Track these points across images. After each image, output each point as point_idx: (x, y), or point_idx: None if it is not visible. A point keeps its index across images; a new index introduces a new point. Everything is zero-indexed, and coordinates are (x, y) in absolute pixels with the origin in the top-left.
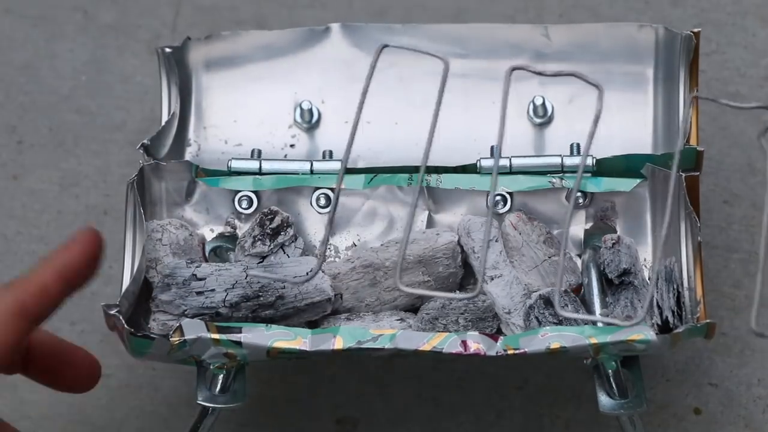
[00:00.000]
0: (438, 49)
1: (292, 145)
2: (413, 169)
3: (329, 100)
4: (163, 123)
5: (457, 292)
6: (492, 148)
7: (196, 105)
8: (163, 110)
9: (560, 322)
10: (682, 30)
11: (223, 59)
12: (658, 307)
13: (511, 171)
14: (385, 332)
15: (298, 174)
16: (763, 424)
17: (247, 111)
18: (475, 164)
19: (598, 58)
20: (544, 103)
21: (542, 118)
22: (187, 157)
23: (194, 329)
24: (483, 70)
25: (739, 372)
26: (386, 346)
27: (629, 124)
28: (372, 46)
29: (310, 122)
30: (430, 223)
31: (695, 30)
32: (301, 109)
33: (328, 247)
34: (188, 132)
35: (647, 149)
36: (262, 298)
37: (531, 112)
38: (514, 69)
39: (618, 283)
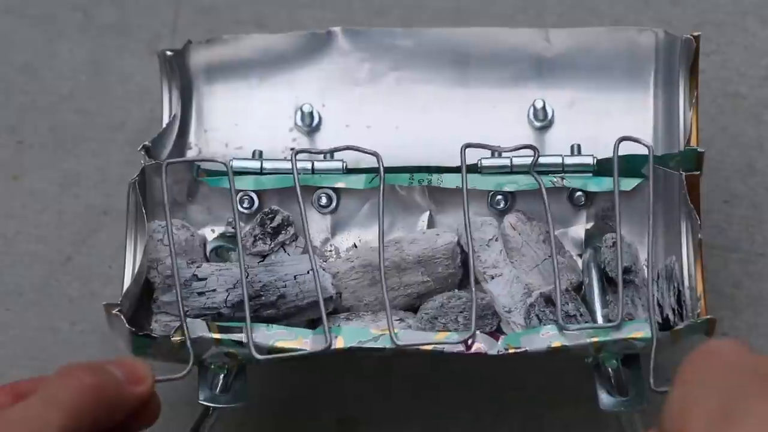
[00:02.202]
0: (438, 52)
1: (292, 149)
2: (414, 169)
3: (330, 103)
4: (163, 126)
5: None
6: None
7: (197, 108)
8: (164, 113)
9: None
10: (682, 32)
11: (224, 63)
12: (659, 305)
13: (512, 171)
14: (386, 332)
15: (299, 173)
16: None
17: (247, 114)
18: (476, 164)
19: (598, 62)
20: (544, 107)
21: (542, 121)
22: None
23: (196, 329)
24: (483, 74)
25: None
26: (387, 346)
27: (629, 126)
28: (373, 50)
29: (310, 126)
30: (431, 223)
31: (695, 34)
32: (302, 112)
33: (329, 247)
34: (189, 135)
35: (647, 151)
36: (263, 298)
37: (531, 116)
38: (466, 146)
39: None
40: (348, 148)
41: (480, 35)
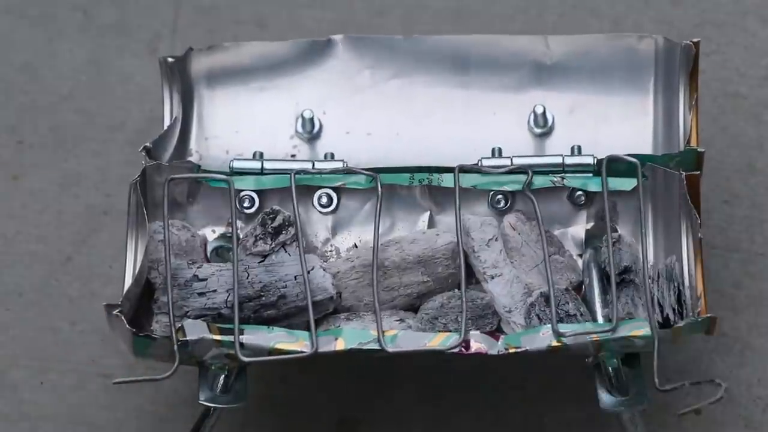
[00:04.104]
0: (438, 60)
1: (293, 155)
2: (415, 169)
3: (330, 110)
4: (164, 131)
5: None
6: (492, 149)
7: (198, 115)
8: (165, 119)
9: (561, 319)
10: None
11: (224, 70)
12: (659, 304)
13: (512, 171)
14: (387, 333)
15: (299, 173)
16: (763, 424)
17: (248, 121)
18: (477, 164)
19: (598, 68)
20: (544, 113)
21: (543, 128)
22: None
23: (196, 330)
24: (484, 80)
25: (739, 372)
26: (386, 349)
27: (630, 131)
28: (374, 57)
29: (311, 132)
30: (431, 223)
31: (694, 40)
32: (303, 119)
33: (329, 247)
34: (190, 142)
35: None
36: (264, 298)
37: (531, 122)
38: (461, 168)
39: (619, 281)
40: (347, 171)
41: (480, 42)
